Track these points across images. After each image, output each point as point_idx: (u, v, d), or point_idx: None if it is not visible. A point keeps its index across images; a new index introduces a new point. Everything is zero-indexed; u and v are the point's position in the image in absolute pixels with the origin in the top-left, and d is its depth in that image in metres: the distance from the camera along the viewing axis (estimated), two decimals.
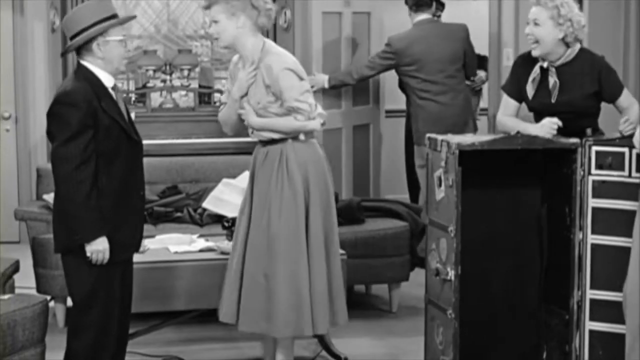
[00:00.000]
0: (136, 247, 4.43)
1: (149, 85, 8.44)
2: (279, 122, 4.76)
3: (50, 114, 4.18)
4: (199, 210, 6.42)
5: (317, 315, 4.76)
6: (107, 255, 4.17)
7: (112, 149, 4.19)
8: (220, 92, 8.36)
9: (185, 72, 8.51)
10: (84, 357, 4.26)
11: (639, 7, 6.90)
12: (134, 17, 4.56)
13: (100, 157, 4.14)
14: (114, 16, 4.24)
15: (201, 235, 5.78)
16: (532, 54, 4.80)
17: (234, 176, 6.40)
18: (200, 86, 8.57)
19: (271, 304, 4.71)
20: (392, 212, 6.43)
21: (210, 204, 6.32)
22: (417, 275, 6.18)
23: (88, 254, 4.15)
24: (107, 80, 4.25)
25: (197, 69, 8.68)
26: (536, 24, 4.75)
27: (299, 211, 4.74)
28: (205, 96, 8.45)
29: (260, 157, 4.84)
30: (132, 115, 4.47)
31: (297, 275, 4.72)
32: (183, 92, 8.39)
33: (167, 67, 8.51)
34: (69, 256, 4.23)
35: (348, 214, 6.25)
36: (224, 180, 6.39)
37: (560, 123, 4.71)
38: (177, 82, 8.47)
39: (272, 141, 4.80)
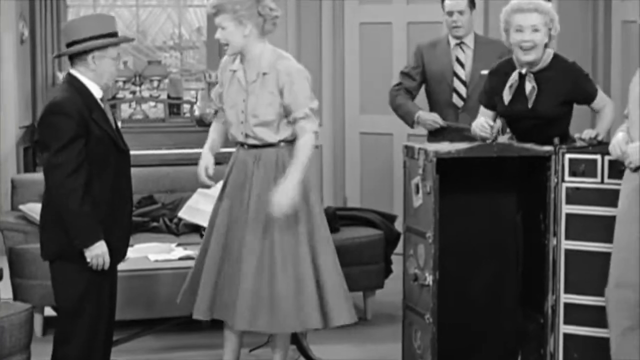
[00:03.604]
0: (124, 254, 4.49)
1: (119, 96, 8.48)
2: (303, 157, 4.76)
3: (43, 124, 4.25)
4: (175, 220, 6.46)
5: (333, 308, 4.80)
6: (107, 259, 4.24)
7: (103, 158, 4.26)
8: (190, 103, 8.44)
9: (155, 83, 8.55)
10: None
11: (606, 8, 7.04)
12: (132, 39, 4.67)
13: (91, 166, 4.22)
14: (115, 34, 4.34)
15: (179, 244, 5.83)
16: (525, 59, 4.83)
17: (208, 186, 6.44)
18: (169, 97, 8.61)
19: (273, 301, 4.74)
20: (367, 221, 6.50)
21: (186, 213, 6.37)
22: (391, 283, 6.28)
23: (88, 260, 4.22)
24: (96, 92, 4.33)
25: (166, 80, 8.72)
26: (535, 30, 4.81)
27: (300, 212, 4.79)
28: (174, 107, 8.49)
29: (250, 160, 4.84)
30: (119, 124, 4.55)
31: (296, 273, 4.76)
32: (152, 103, 8.44)
33: (137, 78, 8.55)
34: (59, 263, 4.30)
35: None
36: (199, 190, 6.42)
37: (489, 129, 4.85)
38: (146, 93, 8.51)
39: (264, 145, 4.84)
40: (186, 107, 8.42)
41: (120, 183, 4.36)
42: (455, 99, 6.12)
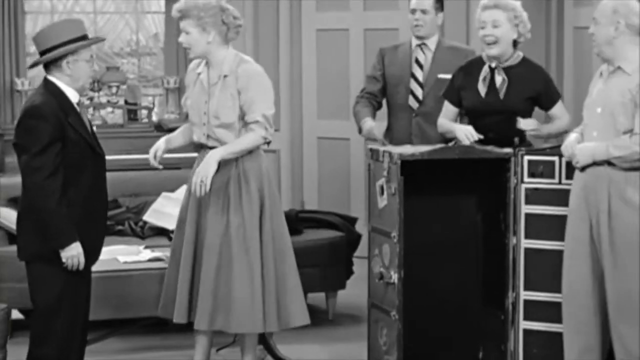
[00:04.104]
0: (98, 256, 4.56)
1: None
2: (237, 144, 4.89)
3: (20, 127, 4.31)
4: (140, 223, 6.53)
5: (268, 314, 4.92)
6: (82, 260, 4.31)
7: (79, 162, 4.34)
8: (148, 108, 8.49)
9: (114, 89, 8.58)
10: None
11: (558, 14, 7.21)
12: (103, 39, 4.74)
13: (68, 169, 4.29)
14: (85, 36, 4.41)
15: (146, 247, 5.91)
16: (489, 53, 5.08)
17: (172, 190, 6.53)
18: (126, 103, 8.64)
19: (229, 302, 4.85)
20: (328, 223, 6.61)
21: (151, 217, 6.45)
22: (353, 284, 6.40)
23: (63, 260, 4.28)
24: (73, 96, 4.40)
25: (124, 86, 8.76)
26: (495, 26, 5.05)
27: (254, 213, 4.90)
28: (132, 113, 8.52)
29: None
30: (94, 128, 4.63)
31: (252, 275, 4.86)
32: (110, 109, 8.46)
33: (95, 84, 8.57)
34: (36, 264, 4.35)
35: (287, 225, 6.41)
36: (164, 193, 6.52)
37: (477, 137, 5.03)
38: (104, 99, 8.54)
39: None
40: (144, 112, 8.46)
41: (95, 186, 4.44)
42: (411, 100, 5.90)
